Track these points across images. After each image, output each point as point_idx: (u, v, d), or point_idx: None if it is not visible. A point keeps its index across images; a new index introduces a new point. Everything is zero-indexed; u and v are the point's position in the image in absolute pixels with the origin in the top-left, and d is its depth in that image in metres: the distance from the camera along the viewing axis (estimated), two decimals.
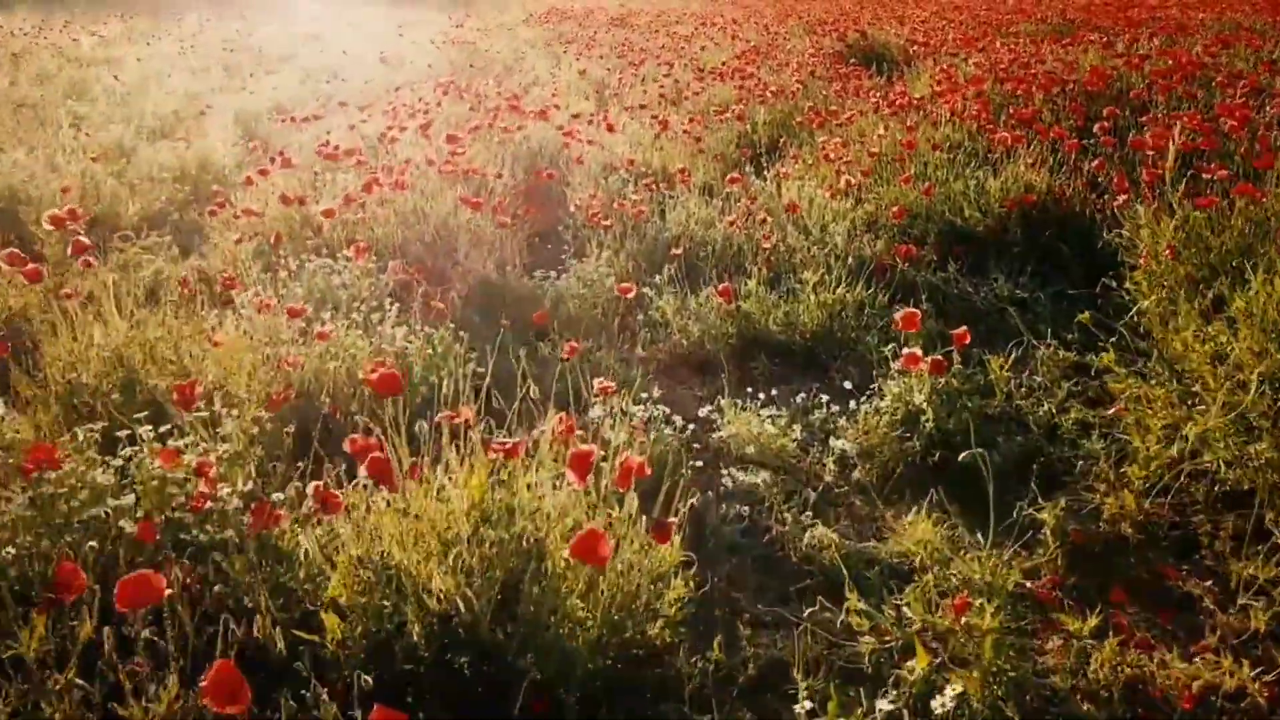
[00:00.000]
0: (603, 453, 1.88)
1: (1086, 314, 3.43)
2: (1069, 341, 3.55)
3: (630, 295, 3.24)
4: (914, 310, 2.96)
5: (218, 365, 2.63)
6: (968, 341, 2.99)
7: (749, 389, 3.34)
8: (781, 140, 6.64)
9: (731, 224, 4.35)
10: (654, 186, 5.17)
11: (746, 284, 3.85)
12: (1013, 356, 3.21)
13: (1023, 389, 3.24)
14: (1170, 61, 6.15)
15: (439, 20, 18.12)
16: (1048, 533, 2.38)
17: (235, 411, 2.29)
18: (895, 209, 4.49)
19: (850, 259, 4.18)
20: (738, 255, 4.35)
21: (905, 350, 2.76)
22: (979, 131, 5.53)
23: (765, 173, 6.21)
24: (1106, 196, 4.37)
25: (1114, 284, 3.73)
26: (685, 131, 5.89)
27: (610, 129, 5.55)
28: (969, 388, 3.03)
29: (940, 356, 2.87)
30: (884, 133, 5.28)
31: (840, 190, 4.81)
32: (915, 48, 10.10)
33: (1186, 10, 12.88)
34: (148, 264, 4.02)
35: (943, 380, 2.94)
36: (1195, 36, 8.98)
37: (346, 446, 1.80)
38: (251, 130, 7.31)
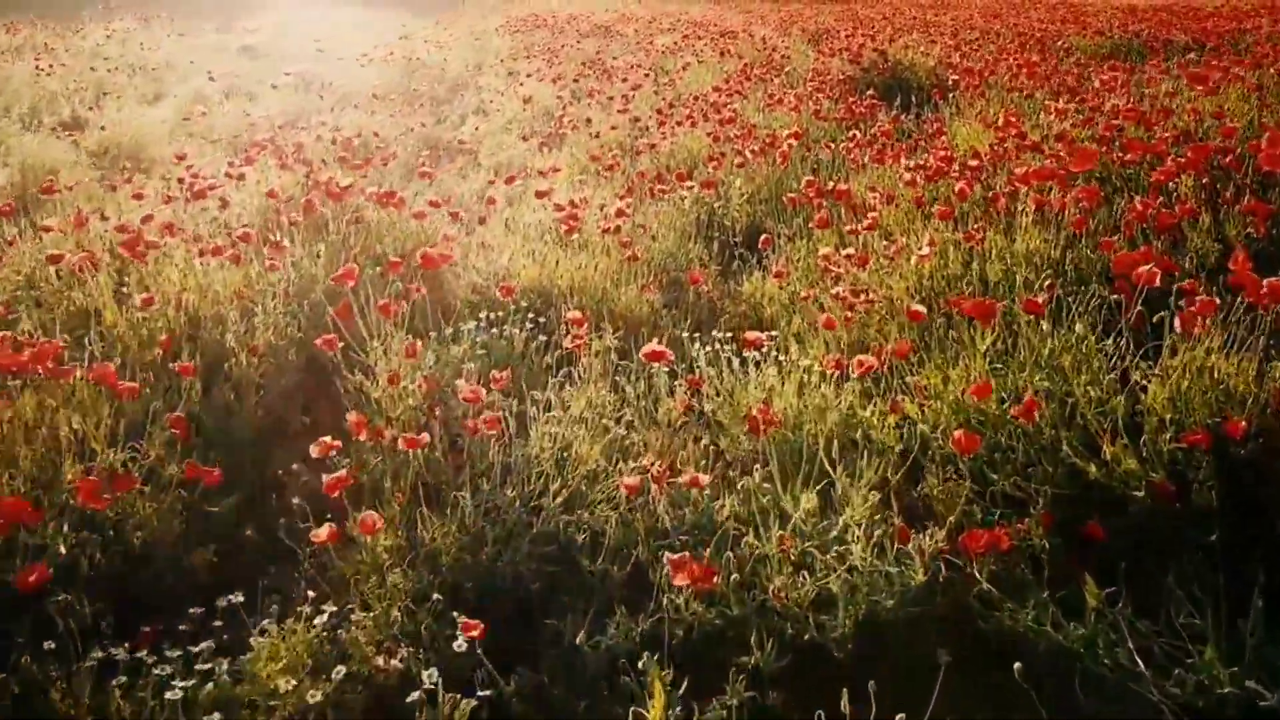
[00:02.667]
0: None
1: None
2: None
3: None
4: None
5: None
6: None
7: None
8: (766, 229, 4.44)
9: (633, 489, 2.13)
10: (536, 335, 2.99)
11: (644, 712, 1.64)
12: None
13: None
14: None
15: (414, 26, 15.93)
16: None
17: None
18: (959, 433, 2.27)
19: (878, 577, 1.99)
20: (648, 541, 2.14)
21: None
22: (1082, 239, 3.33)
23: (741, 279, 4.03)
24: None
25: None
26: (606, 229, 3.67)
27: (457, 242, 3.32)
28: None
29: None
30: (929, 250, 3.06)
31: (855, 369, 2.60)
32: (950, 73, 7.87)
33: (1277, 17, 10.61)
34: None
35: None
36: None
37: None
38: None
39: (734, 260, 4.32)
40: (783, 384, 2.69)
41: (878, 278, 3.24)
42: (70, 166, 5.95)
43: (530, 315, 3.24)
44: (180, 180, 4.21)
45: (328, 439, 2.13)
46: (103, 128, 6.84)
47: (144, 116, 8.08)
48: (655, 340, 2.81)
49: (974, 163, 4.31)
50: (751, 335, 2.70)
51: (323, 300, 3.18)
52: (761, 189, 4.81)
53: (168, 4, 17.79)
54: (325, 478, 1.98)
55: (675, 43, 12.11)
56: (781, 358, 2.73)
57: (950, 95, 6.60)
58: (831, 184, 4.12)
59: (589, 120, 6.59)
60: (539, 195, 3.84)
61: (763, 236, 3.94)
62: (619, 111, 6.85)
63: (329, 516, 2.04)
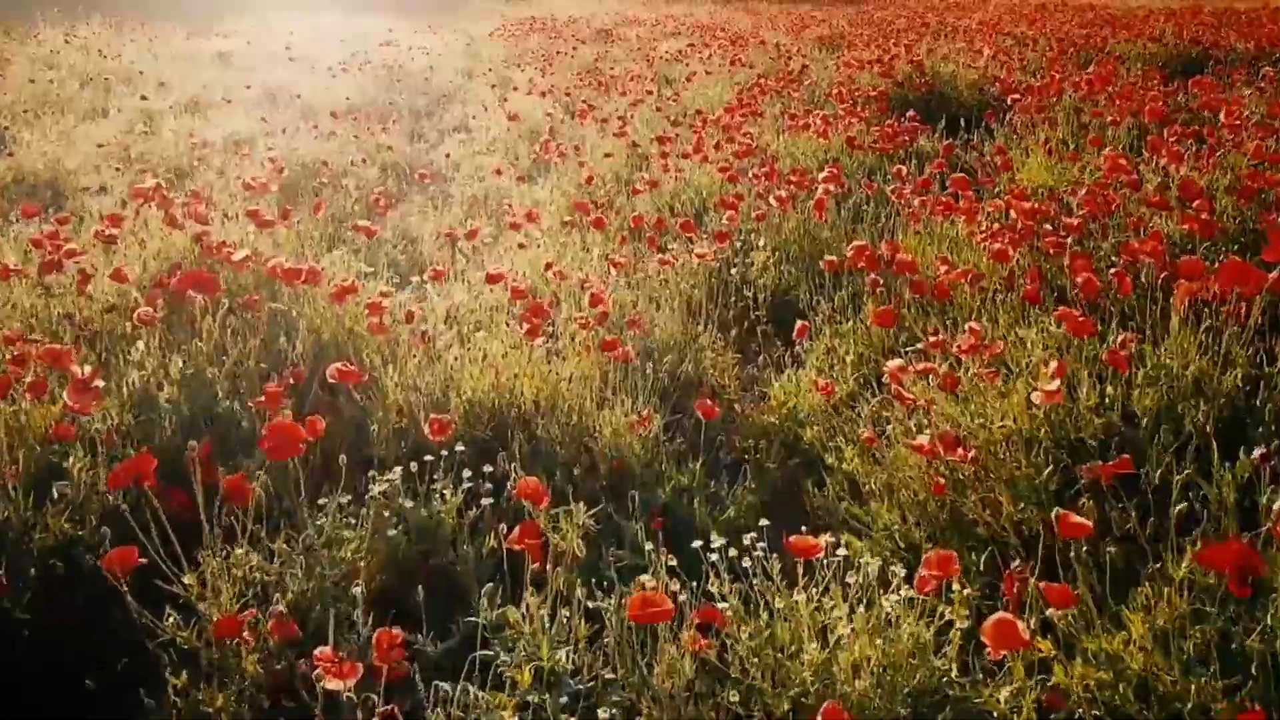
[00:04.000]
0: None
1: None
2: None
3: None
4: None
5: None
6: None
7: None
8: (797, 302, 3.46)
9: None
10: (480, 492, 2.01)
11: None
12: None
13: None
14: None
15: (402, 30, 14.92)
16: None
17: None
18: None
19: None
20: None
21: None
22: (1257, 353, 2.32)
23: (766, 365, 3.06)
24: None
25: None
26: (586, 324, 2.67)
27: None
28: None
29: None
30: (1056, 385, 2.04)
31: (991, 644, 1.60)
32: (996, 87, 6.86)
33: None
34: None
35: None
36: None
37: None
38: None
39: (755, 341, 3.34)
40: (850, 616, 1.69)
41: (972, 410, 2.23)
42: None
43: (481, 448, 2.26)
44: (36, 243, 3.21)
45: None
46: (10, 153, 5.85)
47: (76, 137, 7.10)
48: (656, 575, 1.82)
49: (1068, 218, 3.31)
50: (802, 541, 1.70)
51: (171, 447, 2.19)
52: (790, 244, 3.81)
53: (144, 7, 16.85)
54: None
55: (680, 49, 11.11)
56: (851, 577, 1.73)
57: (1004, 116, 5.60)
58: (887, 250, 3.11)
59: (577, 148, 5.59)
60: (490, 280, 2.84)
61: (799, 324, 2.93)
62: (615, 134, 5.85)
63: None
